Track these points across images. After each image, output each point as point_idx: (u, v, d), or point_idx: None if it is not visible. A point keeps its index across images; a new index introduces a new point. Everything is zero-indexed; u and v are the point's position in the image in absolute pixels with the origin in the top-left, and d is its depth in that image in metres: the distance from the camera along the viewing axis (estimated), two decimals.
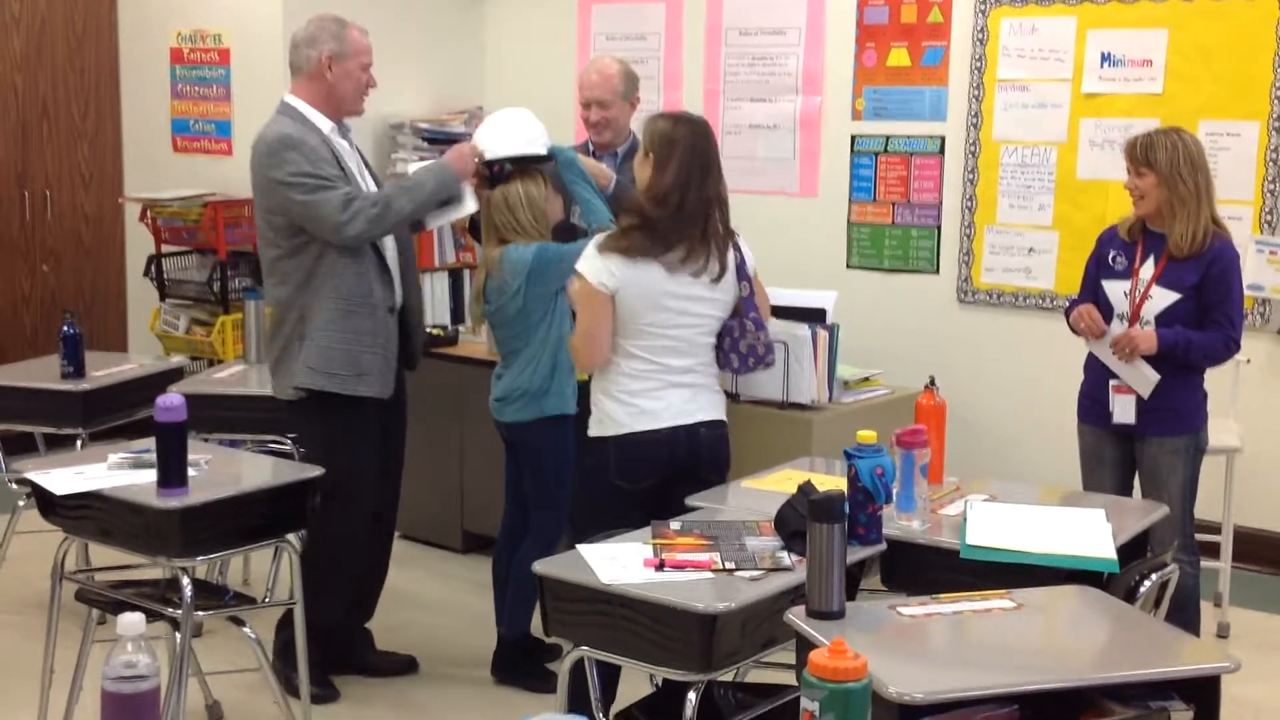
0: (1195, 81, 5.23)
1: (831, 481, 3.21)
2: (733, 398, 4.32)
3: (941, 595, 2.56)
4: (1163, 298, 3.99)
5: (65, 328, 4.70)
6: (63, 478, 3.39)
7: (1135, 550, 3.11)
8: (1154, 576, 2.94)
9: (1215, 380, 4.22)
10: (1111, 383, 4.06)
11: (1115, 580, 2.85)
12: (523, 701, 4.10)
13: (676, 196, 3.45)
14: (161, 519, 3.23)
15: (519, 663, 4.19)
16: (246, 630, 3.53)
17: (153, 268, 6.49)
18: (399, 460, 4.28)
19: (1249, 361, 4.86)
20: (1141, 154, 3.97)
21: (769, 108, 6.21)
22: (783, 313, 4.37)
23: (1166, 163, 3.93)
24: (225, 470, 3.60)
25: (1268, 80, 5.11)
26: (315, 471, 3.59)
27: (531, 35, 6.93)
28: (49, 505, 3.43)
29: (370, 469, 4.06)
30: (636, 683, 3.22)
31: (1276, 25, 5.07)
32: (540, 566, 2.85)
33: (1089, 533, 3.01)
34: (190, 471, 3.31)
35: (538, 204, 4.04)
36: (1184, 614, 3.93)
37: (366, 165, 4.20)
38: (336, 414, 3.98)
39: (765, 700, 2.95)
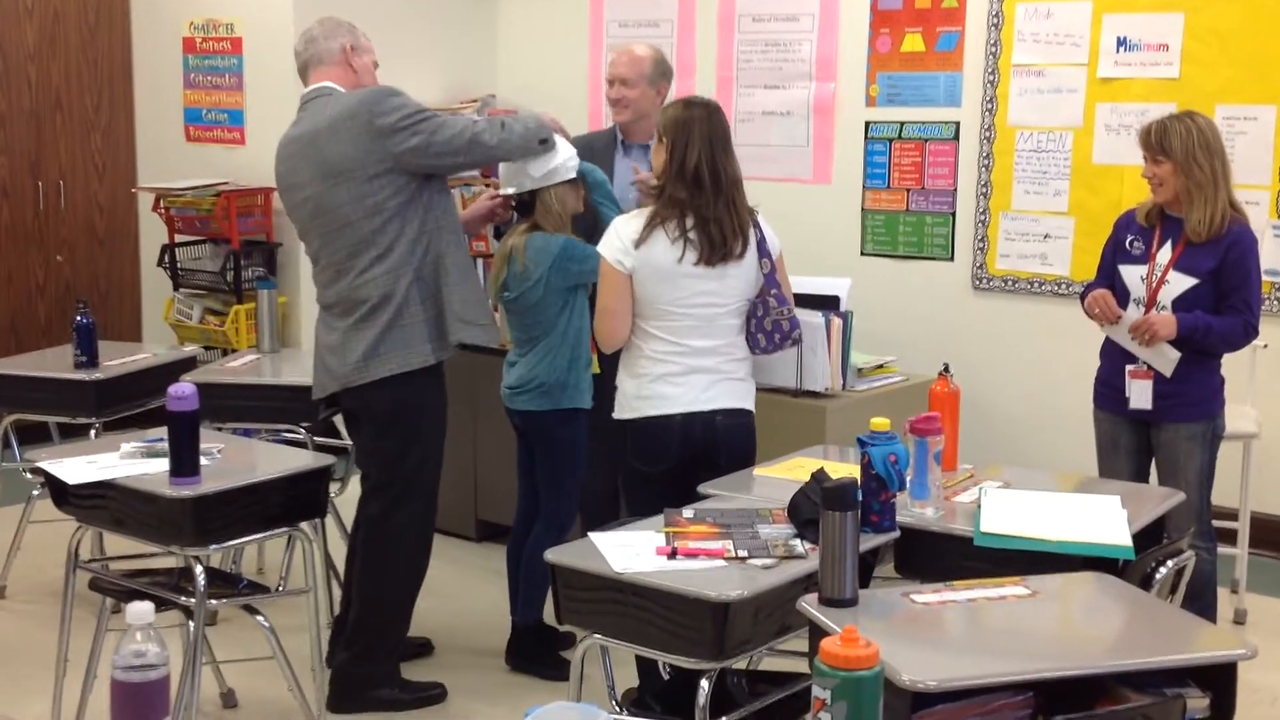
0: (1212, 66, 5.19)
1: (845, 469, 3.19)
2: None
3: (955, 582, 2.54)
4: (1180, 283, 3.96)
5: (79, 317, 4.70)
6: (76, 467, 3.40)
7: (1151, 537, 3.09)
8: (1170, 563, 2.92)
9: (1232, 366, 4.19)
10: (1128, 368, 4.04)
11: (1131, 567, 2.83)
12: (536, 689, 4.10)
13: (702, 174, 3.50)
14: (174, 508, 3.23)
15: (533, 651, 4.19)
16: (260, 619, 3.53)
17: (166, 257, 6.50)
18: None
19: (1266, 347, 4.83)
20: (1156, 141, 3.95)
21: (782, 94, 6.18)
22: (797, 300, 4.31)
23: (1182, 149, 3.90)
24: (238, 459, 3.60)
25: None
26: (327, 460, 3.59)
27: (544, 23, 6.91)
28: (62, 494, 3.43)
29: None
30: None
31: None
32: (552, 555, 2.84)
33: (1104, 519, 2.99)
34: (203, 460, 3.31)
35: (565, 197, 4.06)
36: (1201, 600, 3.91)
37: None
38: (434, 384, 3.92)
39: (778, 688, 2.94)
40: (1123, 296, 4.05)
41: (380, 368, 3.81)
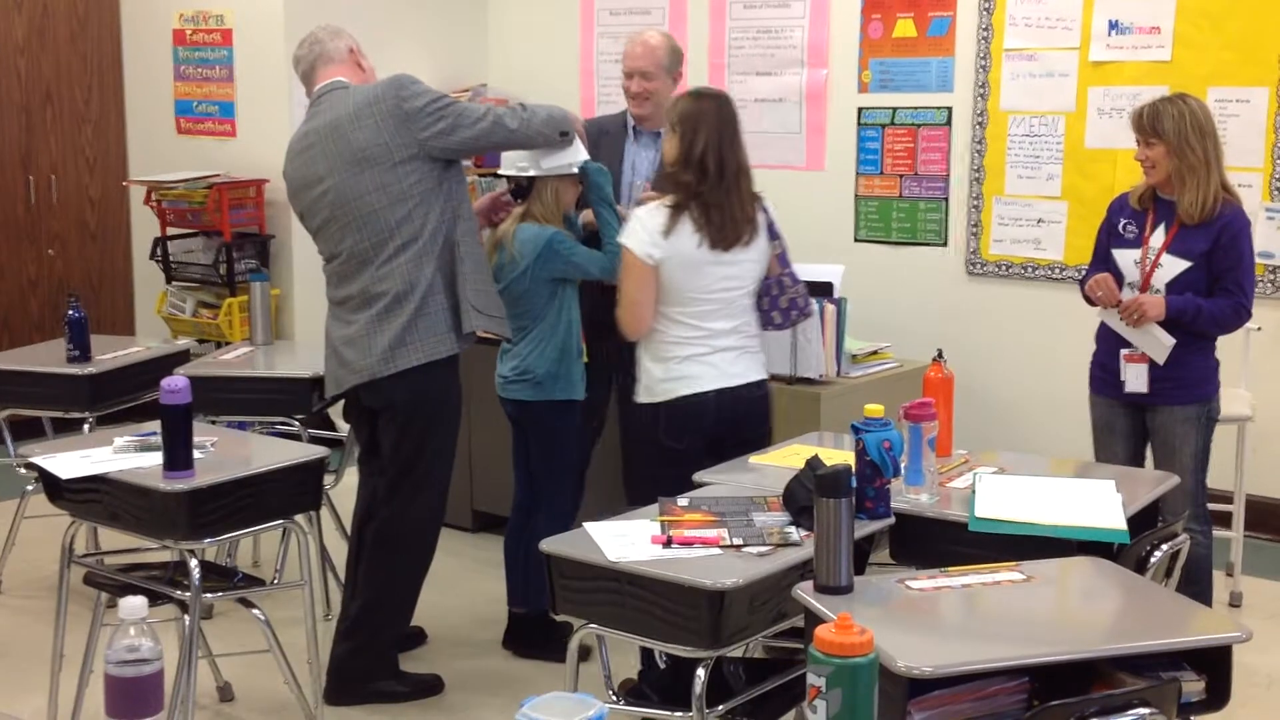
0: (1204, 48, 5.18)
1: (839, 456, 3.19)
2: None
3: (950, 568, 2.55)
4: (1173, 266, 3.96)
5: (71, 311, 4.69)
6: (69, 461, 3.39)
7: (1146, 521, 3.10)
8: (1165, 547, 2.92)
9: (1226, 349, 4.19)
10: (1123, 352, 4.04)
11: (1126, 551, 2.83)
12: (531, 676, 4.10)
13: (711, 163, 3.63)
14: (168, 502, 3.23)
15: (541, 637, 4.17)
16: (256, 612, 3.53)
17: (158, 250, 6.48)
18: None
19: (1260, 330, 4.83)
20: (1149, 124, 3.94)
21: (774, 81, 6.17)
22: None
23: (1174, 131, 3.90)
24: (232, 452, 3.59)
25: (1277, 46, 5.06)
26: (322, 453, 3.59)
27: (535, 11, 6.90)
28: (56, 489, 3.43)
29: None
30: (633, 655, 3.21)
31: None
32: (548, 545, 2.84)
33: (1099, 503, 2.99)
34: (197, 454, 3.30)
35: (561, 191, 4.06)
36: (1196, 584, 3.91)
37: None
38: (454, 375, 3.90)
39: (774, 675, 2.94)
40: (1117, 280, 4.05)
41: (407, 358, 3.76)
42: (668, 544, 2.77)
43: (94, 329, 4.81)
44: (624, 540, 2.80)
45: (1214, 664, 2.27)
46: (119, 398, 4.78)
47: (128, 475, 3.29)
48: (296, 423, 4.57)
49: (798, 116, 6.13)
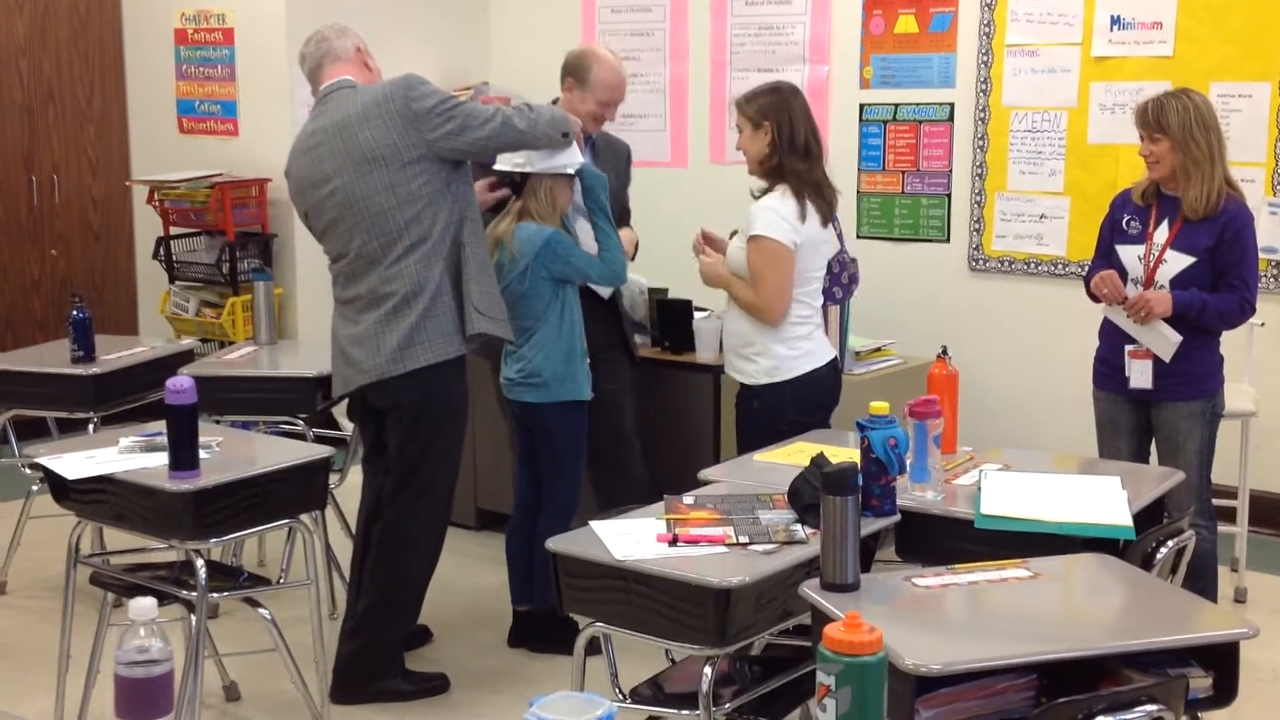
0: (1206, 43, 5.18)
1: (844, 453, 3.19)
2: None
3: (957, 565, 2.55)
4: (1177, 261, 3.96)
5: (74, 311, 4.69)
6: (75, 462, 3.39)
7: (1151, 517, 3.10)
8: (1170, 543, 2.92)
9: (1230, 345, 4.19)
10: (1128, 348, 4.03)
11: (1131, 547, 2.83)
12: (537, 674, 4.10)
13: (813, 146, 3.94)
14: (173, 502, 3.23)
15: (553, 632, 4.16)
16: (262, 611, 3.53)
17: (161, 250, 6.49)
18: None
19: (1263, 325, 4.83)
20: (1154, 119, 3.93)
21: (776, 78, 6.14)
22: None
23: (1179, 126, 3.89)
24: (237, 452, 3.59)
25: (1279, 41, 5.05)
26: (327, 452, 3.59)
27: (536, 9, 6.90)
28: (62, 490, 3.43)
29: None
30: (650, 655, 3.21)
31: None
32: (554, 543, 2.85)
33: (1104, 500, 2.99)
34: (202, 454, 3.30)
35: (556, 190, 4.05)
36: (1201, 580, 3.91)
37: None
38: (461, 376, 3.90)
39: (781, 673, 2.94)
40: (1120, 277, 4.05)
41: (416, 358, 3.76)
42: (673, 542, 2.77)
43: (97, 329, 4.81)
44: (629, 538, 2.80)
45: (1221, 660, 2.27)
46: (123, 398, 4.78)
47: (133, 475, 3.30)
48: (301, 422, 4.57)
49: (809, 112, 6.11)
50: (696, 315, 4.74)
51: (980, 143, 5.69)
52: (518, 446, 4.28)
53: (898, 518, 2.95)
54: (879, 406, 2.95)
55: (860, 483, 2.56)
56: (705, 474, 3.32)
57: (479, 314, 3.82)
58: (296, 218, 4.08)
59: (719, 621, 2.59)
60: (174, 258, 6.49)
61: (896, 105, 5.90)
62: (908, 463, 3.02)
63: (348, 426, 4.45)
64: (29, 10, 6.57)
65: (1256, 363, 4.90)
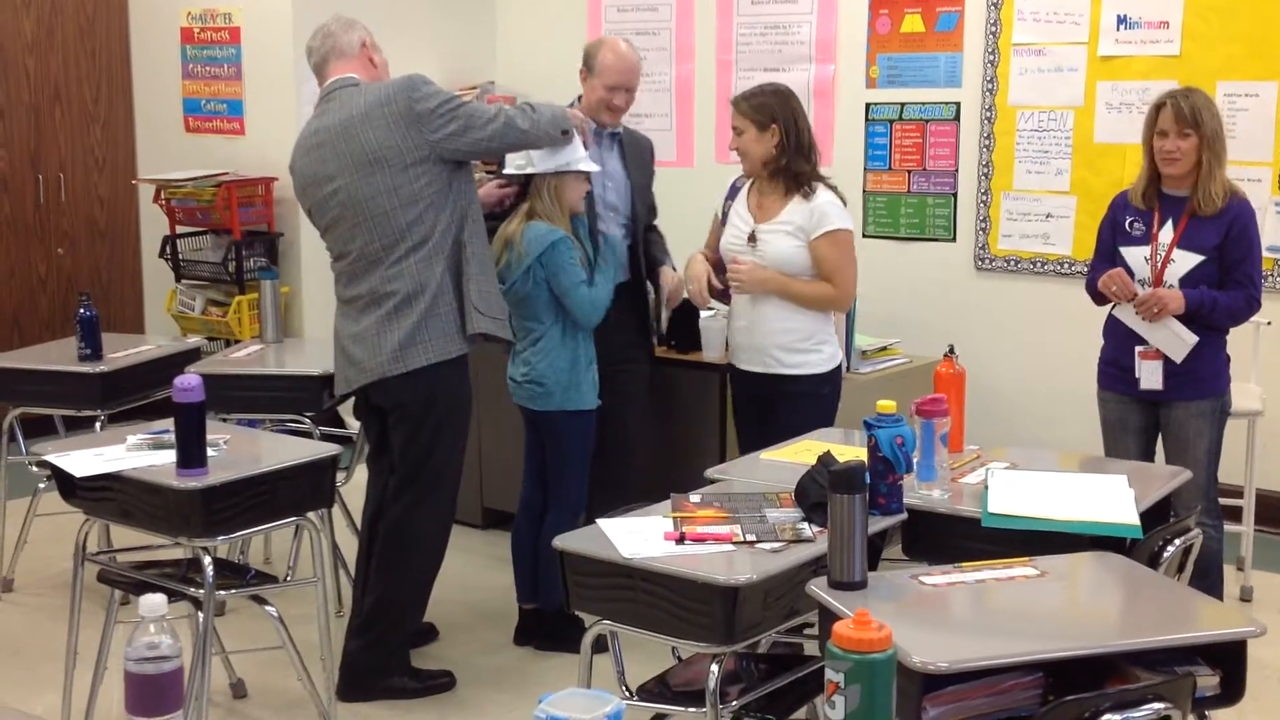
0: (1212, 42, 5.18)
1: (851, 452, 3.19)
2: None
3: (964, 564, 2.55)
4: (1185, 261, 3.96)
5: (81, 310, 4.70)
6: (83, 460, 3.40)
7: (1158, 516, 3.10)
8: (1178, 542, 2.92)
9: (1236, 343, 4.19)
10: (1138, 349, 4.03)
11: (1138, 546, 2.83)
12: (543, 672, 4.11)
13: (814, 145, 4.11)
14: (181, 499, 3.23)
15: (558, 630, 4.17)
16: (269, 608, 3.54)
17: (167, 249, 6.50)
18: None
19: (1269, 324, 4.82)
20: (1190, 115, 3.93)
21: (782, 77, 6.14)
22: None
23: (1211, 122, 3.93)
24: (244, 450, 3.60)
25: None
26: (334, 450, 3.59)
27: (542, 9, 6.90)
28: (69, 487, 3.44)
29: None
30: (656, 652, 3.21)
31: None
32: (561, 542, 2.85)
33: (1111, 499, 2.99)
34: (209, 452, 3.31)
35: (563, 190, 4.04)
36: (1207, 578, 3.91)
37: None
38: (464, 374, 3.90)
39: (788, 671, 2.94)
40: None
41: (416, 358, 3.76)
42: (681, 540, 2.78)
43: (103, 327, 4.81)
44: (637, 537, 2.80)
45: (1228, 659, 2.27)
46: (130, 395, 4.79)
47: (141, 473, 3.30)
48: (307, 420, 4.57)
49: (806, 112, 6.11)
50: (703, 315, 4.75)
51: (986, 142, 5.69)
52: (527, 443, 4.29)
53: (905, 516, 2.95)
54: (886, 405, 2.95)
55: (868, 481, 2.56)
56: (711, 472, 3.32)
57: (479, 313, 3.82)
58: (302, 216, 4.09)
59: (726, 619, 2.59)
60: (180, 256, 6.50)
61: (903, 104, 5.90)
62: (915, 461, 3.02)
63: (354, 425, 4.45)
64: (36, 8, 6.58)
65: (1263, 362, 4.89)
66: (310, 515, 3.56)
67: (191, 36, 6.73)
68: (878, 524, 2.84)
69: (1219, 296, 3.93)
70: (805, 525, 2.83)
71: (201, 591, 3.34)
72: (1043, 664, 2.19)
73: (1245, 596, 4.64)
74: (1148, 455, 4.13)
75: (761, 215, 4.07)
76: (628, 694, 2.93)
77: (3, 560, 4.83)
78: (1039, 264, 5.64)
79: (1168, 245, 3.99)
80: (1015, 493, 3.04)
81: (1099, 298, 4.12)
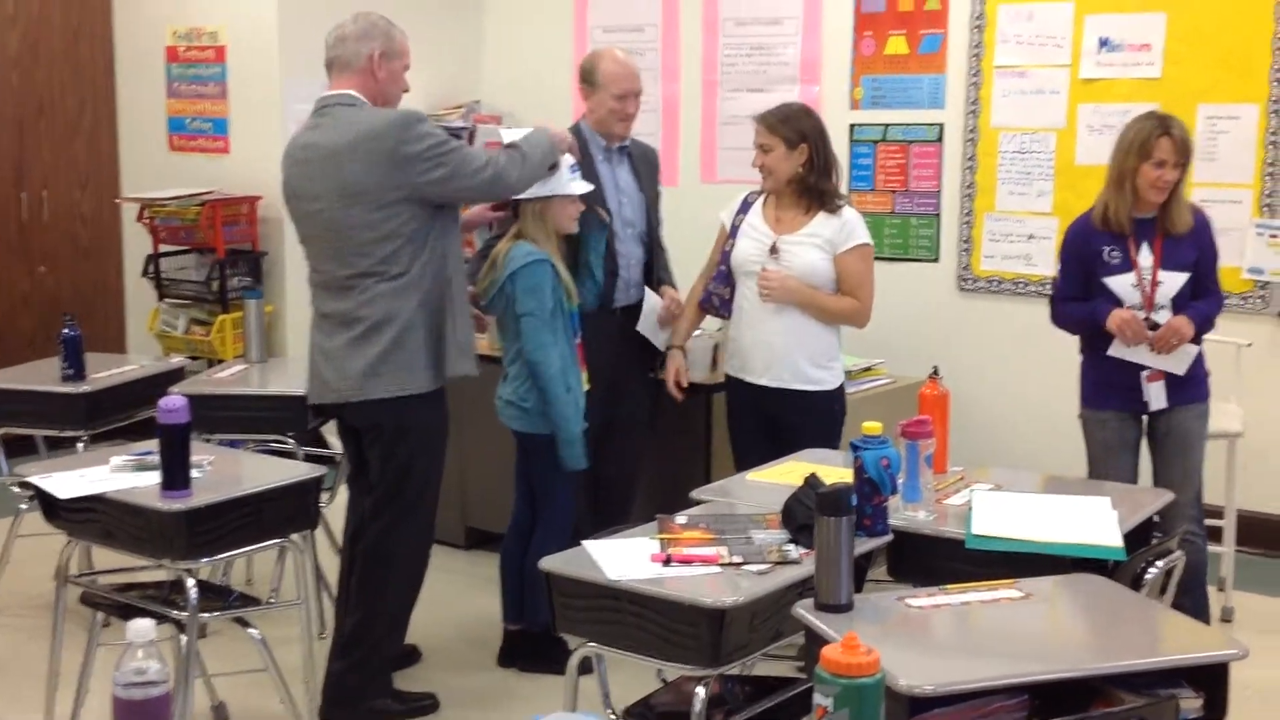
0: (1194, 65, 5.22)
1: (835, 473, 3.20)
2: None
3: (949, 586, 2.55)
4: (1173, 280, 4.03)
5: (65, 329, 4.68)
6: (66, 481, 3.39)
7: (1140, 537, 3.11)
8: (1160, 563, 2.94)
9: (1217, 363, 4.23)
10: (1144, 374, 4.07)
11: (1121, 568, 2.84)
12: (527, 693, 4.10)
13: (838, 166, 4.22)
14: (165, 521, 3.22)
15: (543, 652, 4.16)
16: (252, 631, 3.52)
17: (151, 267, 6.48)
18: None
19: (1250, 345, 4.85)
20: (1185, 146, 3.99)
21: (767, 98, 6.14)
22: None
23: (1193, 148, 4.03)
24: (228, 471, 3.59)
25: (1266, 63, 5.10)
26: (319, 471, 3.59)
27: (528, 28, 6.91)
28: (52, 508, 3.42)
29: None
30: (641, 674, 3.21)
31: (1275, 7, 5.06)
32: (547, 563, 2.85)
33: (1094, 521, 3.01)
34: (194, 473, 3.30)
35: (551, 212, 4.03)
36: (1193, 594, 3.93)
37: None
38: (436, 404, 3.88)
39: (774, 694, 2.94)
40: (1116, 305, 4.06)
41: (377, 389, 3.74)
42: (667, 562, 2.78)
43: (85, 346, 4.79)
44: (623, 558, 2.80)
45: (1211, 681, 2.28)
46: (114, 416, 4.77)
47: (125, 495, 3.29)
48: (291, 440, 4.56)
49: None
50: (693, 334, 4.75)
51: (969, 163, 5.72)
52: (517, 462, 4.28)
53: (890, 538, 2.96)
54: (872, 427, 2.96)
55: (854, 503, 2.57)
56: (697, 494, 3.32)
57: (460, 353, 3.82)
58: (287, 235, 4.09)
59: (712, 642, 2.60)
60: (163, 275, 6.48)
61: (886, 126, 5.92)
62: (899, 482, 3.03)
63: (337, 445, 4.44)
64: (21, 24, 6.57)
65: (1244, 383, 4.92)
66: (294, 536, 3.55)
67: (177, 55, 6.72)
68: (864, 545, 2.85)
69: (1203, 308, 4.05)
70: (791, 547, 2.83)
71: (185, 614, 3.32)
72: (1028, 686, 2.19)
73: (1226, 617, 4.65)
74: (1136, 472, 4.17)
75: (781, 229, 4.10)
76: (613, 716, 2.93)
77: None
78: (1021, 285, 5.66)
79: (1151, 268, 4.02)
80: (999, 514, 3.05)
81: (1076, 328, 4.16)
